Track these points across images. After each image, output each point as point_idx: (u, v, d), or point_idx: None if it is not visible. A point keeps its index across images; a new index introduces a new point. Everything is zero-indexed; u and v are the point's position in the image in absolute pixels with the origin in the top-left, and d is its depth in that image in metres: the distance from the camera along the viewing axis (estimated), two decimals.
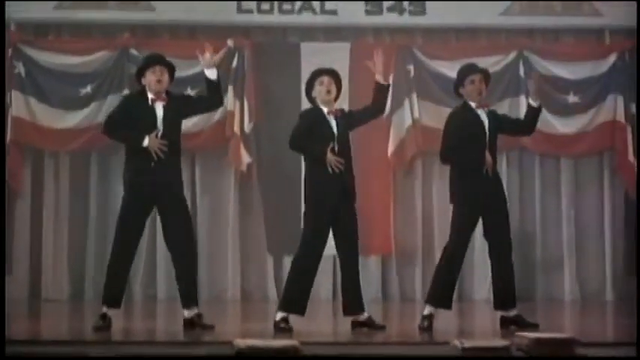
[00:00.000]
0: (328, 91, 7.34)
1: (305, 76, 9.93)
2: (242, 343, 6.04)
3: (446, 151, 7.44)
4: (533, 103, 7.59)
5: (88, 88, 10.15)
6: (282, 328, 7.12)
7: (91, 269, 10.20)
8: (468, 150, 7.35)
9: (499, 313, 7.55)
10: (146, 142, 7.11)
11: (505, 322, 7.47)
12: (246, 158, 10.10)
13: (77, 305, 9.77)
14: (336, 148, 7.23)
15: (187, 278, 7.35)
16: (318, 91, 7.37)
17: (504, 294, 7.50)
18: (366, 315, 7.35)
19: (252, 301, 10.09)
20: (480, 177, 7.34)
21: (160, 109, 7.22)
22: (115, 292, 7.28)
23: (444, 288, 7.42)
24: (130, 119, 7.19)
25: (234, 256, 10.18)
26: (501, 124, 7.63)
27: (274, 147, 10.21)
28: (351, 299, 7.36)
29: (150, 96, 7.23)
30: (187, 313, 7.29)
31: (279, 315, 7.23)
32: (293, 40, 10.42)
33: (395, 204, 10.31)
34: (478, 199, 7.34)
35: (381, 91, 7.51)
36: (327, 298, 10.02)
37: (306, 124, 7.28)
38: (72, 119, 10.12)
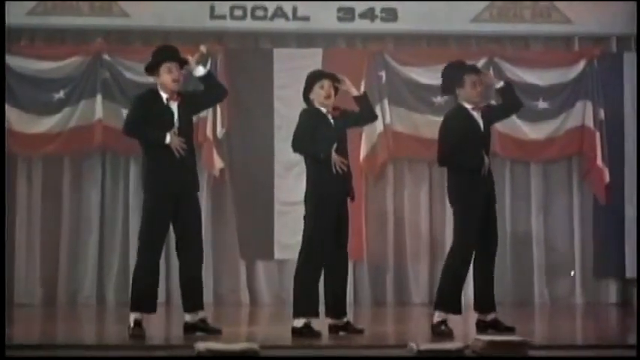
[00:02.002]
0: (328, 96, 7.47)
1: (277, 82, 10.33)
2: (202, 346, 6.23)
3: (444, 154, 7.59)
4: (499, 85, 7.82)
5: (61, 93, 10.26)
6: (306, 333, 7.21)
7: (64, 273, 10.36)
8: (467, 152, 7.51)
9: (475, 316, 7.71)
10: (168, 139, 7.21)
11: (482, 326, 7.63)
12: (218, 163, 10.28)
13: (50, 309, 9.97)
14: (337, 147, 7.38)
15: (196, 282, 7.45)
16: (318, 94, 7.48)
17: (487, 297, 7.68)
18: (344, 319, 7.49)
19: (225, 305, 10.25)
20: (479, 178, 7.52)
21: (175, 108, 7.35)
22: (148, 296, 7.30)
23: (454, 292, 7.51)
24: (148, 119, 7.29)
25: (206, 260, 10.10)
26: (492, 117, 7.84)
27: (247, 152, 10.46)
28: (339, 302, 7.51)
29: (164, 95, 7.34)
30: (191, 318, 7.38)
31: (301, 321, 7.28)
32: (266, 46, 10.66)
33: (366, 209, 10.48)
34: (480, 200, 7.53)
35: (361, 101, 7.67)
36: None
37: (309, 123, 7.38)
38: (45, 124, 10.26)
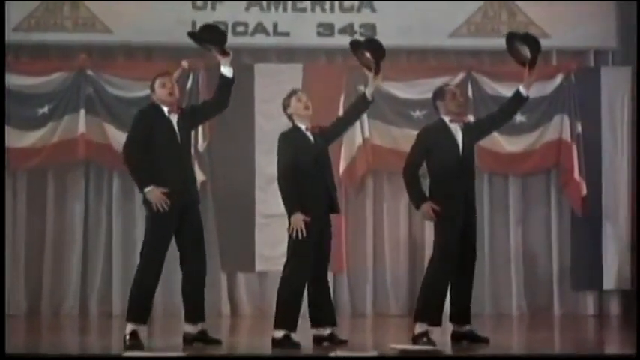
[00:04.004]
0: (306, 107, 7.80)
1: (258, 96, 10.62)
2: (131, 354, 6.72)
3: (405, 166, 7.90)
4: (524, 92, 8.00)
5: (46, 108, 10.58)
6: (286, 344, 7.45)
7: (48, 285, 10.68)
8: (441, 168, 7.79)
9: (451, 328, 7.96)
10: (147, 190, 7.42)
11: (457, 337, 7.90)
12: (200, 176, 10.43)
13: (35, 320, 10.29)
14: (319, 164, 7.68)
15: (198, 294, 7.72)
16: (296, 107, 7.79)
17: (463, 309, 7.93)
18: (329, 330, 7.80)
19: (206, 316, 10.40)
20: (459, 191, 7.78)
21: (175, 121, 7.60)
22: (146, 307, 7.50)
23: (435, 304, 7.71)
24: (149, 135, 7.50)
25: None
26: (476, 132, 8.09)
27: (228, 165, 10.77)
28: (327, 312, 7.82)
29: (165, 109, 7.61)
30: (192, 329, 7.64)
31: (281, 333, 7.54)
32: (247, 61, 10.92)
33: (346, 221, 10.78)
34: (460, 212, 7.76)
35: (362, 103, 8.08)
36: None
37: (291, 151, 7.63)
38: (29, 139, 10.57)
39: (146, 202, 7.54)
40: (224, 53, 7.75)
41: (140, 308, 7.47)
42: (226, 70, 7.78)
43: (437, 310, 7.70)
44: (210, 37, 7.73)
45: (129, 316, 7.48)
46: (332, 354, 6.81)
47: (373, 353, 6.91)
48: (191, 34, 7.86)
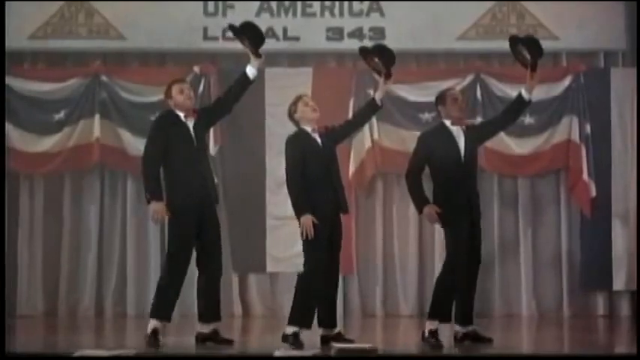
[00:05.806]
0: (314, 110, 8.08)
1: (269, 100, 10.91)
2: (81, 352, 7.03)
3: (407, 171, 8.14)
4: (526, 96, 8.16)
5: (62, 114, 10.99)
6: (292, 342, 7.66)
7: (65, 286, 11.06)
8: (442, 171, 7.96)
9: (455, 327, 8.16)
10: (152, 205, 7.70)
11: (461, 337, 8.10)
12: None
13: (51, 320, 10.66)
14: (327, 166, 7.93)
15: (214, 294, 7.91)
16: (304, 111, 8.07)
17: (466, 310, 8.12)
18: (335, 330, 8.06)
19: None
20: (458, 197, 7.93)
21: (191, 125, 7.88)
22: (169, 306, 7.77)
23: (446, 302, 7.90)
24: (167, 142, 7.76)
25: None
26: (479, 135, 8.25)
27: (239, 168, 11.11)
28: (332, 314, 8.04)
29: (181, 114, 7.89)
30: (205, 328, 7.88)
31: (291, 329, 7.76)
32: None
33: (356, 223, 11.10)
34: (463, 215, 7.94)
35: (372, 109, 8.37)
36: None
37: (299, 154, 7.88)
38: (46, 143, 10.98)
39: (167, 205, 7.79)
40: (257, 55, 8.09)
41: (163, 305, 7.75)
42: (251, 72, 8.12)
43: (447, 307, 7.93)
44: (251, 34, 8.05)
45: (152, 313, 7.79)
46: (276, 353, 7.10)
47: (315, 351, 7.25)
48: (232, 27, 8.14)
